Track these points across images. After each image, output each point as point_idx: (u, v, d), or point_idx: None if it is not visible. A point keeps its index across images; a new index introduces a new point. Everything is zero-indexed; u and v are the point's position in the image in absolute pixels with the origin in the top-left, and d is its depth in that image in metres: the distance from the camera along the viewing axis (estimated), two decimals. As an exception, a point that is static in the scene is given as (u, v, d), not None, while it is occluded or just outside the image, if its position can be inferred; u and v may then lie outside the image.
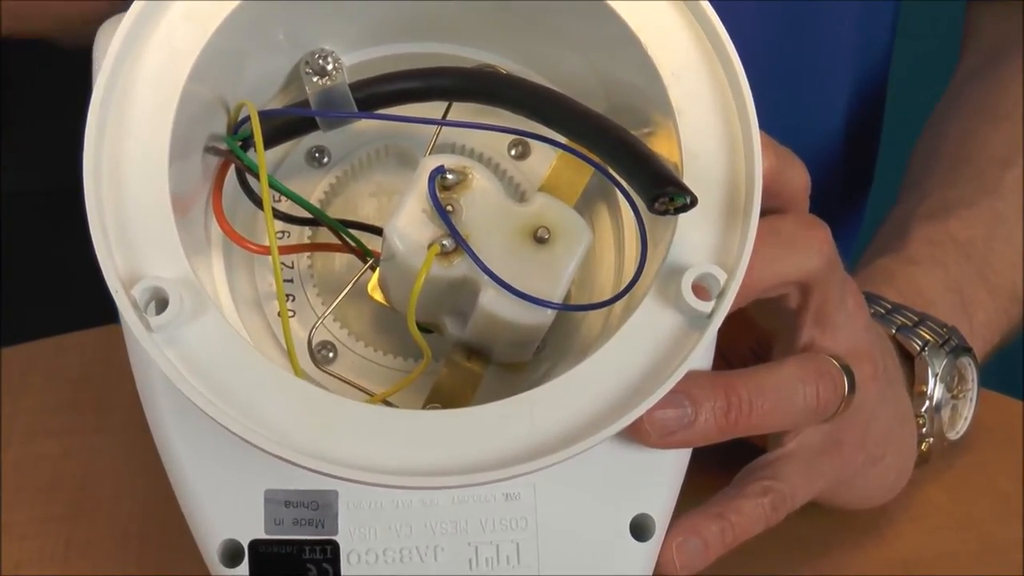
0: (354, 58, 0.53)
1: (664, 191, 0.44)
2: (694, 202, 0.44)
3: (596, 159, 0.49)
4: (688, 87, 0.48)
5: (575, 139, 0.49)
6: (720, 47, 0.48)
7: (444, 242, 0.47)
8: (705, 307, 0.45)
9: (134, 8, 0.46)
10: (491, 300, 0.47)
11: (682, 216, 0.46)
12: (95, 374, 0.71)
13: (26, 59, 0.97)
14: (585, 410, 0.45)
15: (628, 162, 0.46)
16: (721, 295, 0.46)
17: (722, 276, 0.46)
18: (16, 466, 0.67)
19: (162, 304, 0.44)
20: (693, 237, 0.47)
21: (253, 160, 0.48)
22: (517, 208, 0.49)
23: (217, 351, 0.44)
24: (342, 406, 0.45)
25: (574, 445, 0.43)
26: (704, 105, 0.48)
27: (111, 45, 0.46)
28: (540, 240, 0.48)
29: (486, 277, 0.47)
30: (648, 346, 0.46)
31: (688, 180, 0.46)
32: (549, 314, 0.48)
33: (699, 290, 0.46)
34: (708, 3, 0.48)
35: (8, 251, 1.02)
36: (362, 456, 0.44)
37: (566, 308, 0.48)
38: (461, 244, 0.47)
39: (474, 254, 0.47)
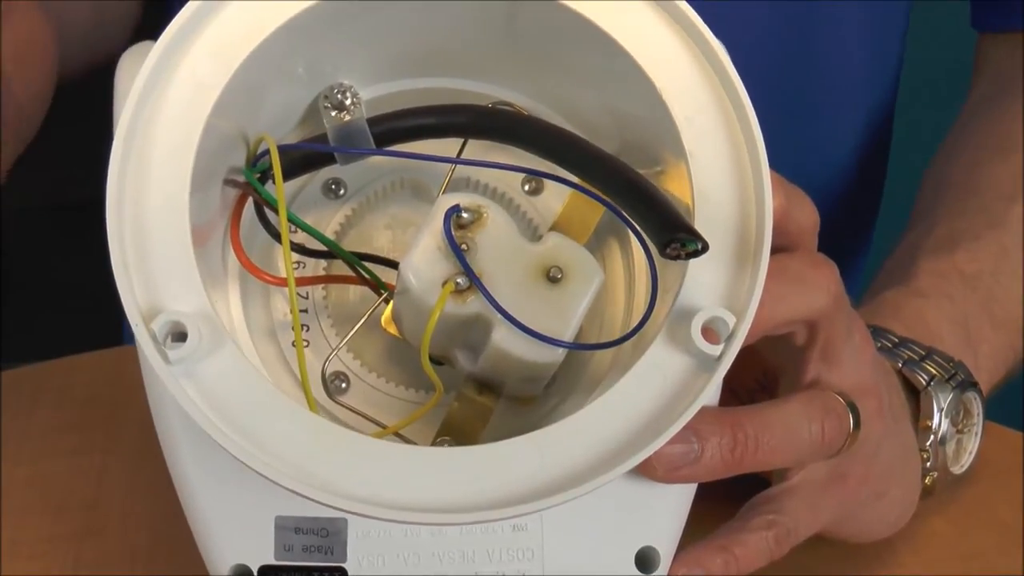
0: (372, 92, 0.54)
1: (676, 237, 0.45)
2: (705, 248, 0.45)
3: (608, 199, 0.50)
4: (700, 130, 0.49)
5: (588, 180, 0.50)
6: (732, 91, 0.49)
7: (458, 280, 0.48)
8: (714, 350, 0.46)
9: (160, 42, 0.47)
10: (503, 338, 0.48)
11: (693, 260, 0.47)
12: (105, 395, 0.71)
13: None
14: (593, 450, 0.45)
15: (641, 206, 0.47)
16: (730, 338, 0.46)
17: (731, 320, 0.46)
18: (25, 485, 0.67)
19: (180, 337, 0.44)
20: (703, 280, 0.47)
21: (271, 193, 0.49)
22: (530, 247, 0.49)
23: (234, 385, 0.45)
24: (355, 442, 0.45)
25: (581, 485, 0.44)
26: (716, 149, 0.49)
27: (137, 78, 0.46)
28: (553, 279, 0.49)
29: (499, 315, 0.48)
30: (657, 387, 0.46)
31: (699, 223, 0.47)
32: (560, 352, 0.49)
33: (708, 333, 0.46)
34: (721, 46, 0.49)
35: (12, 266, 1.03)
36: (373, 491, 0.44)
37: (577, 347, 0.49)
38: (475, 282, 0.48)
39: (488, 293, 0.48)
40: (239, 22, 0.48)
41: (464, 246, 0.48)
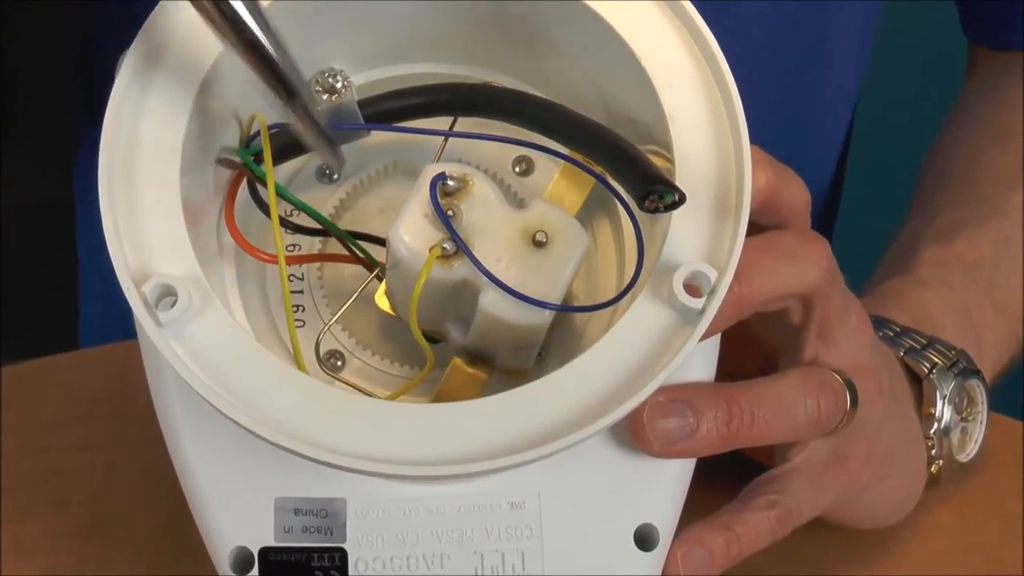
0: (363, 78, 0.55)
1: (653, 189, 0.46)
2: (682, 199, 0.46)
3: (596, 169, 0.51)
4: (680, 95, 0.49)
5: (570, 145, 0.51)
6: (710, 55, 0.50)
7: (445, 245, 0.49)
8: (696, 303, 0.46)
9: (152, 18, 0.48)
10: (491, 302, 0.49)
11: (675, 218, 0.48)
12: (110, 389, 0.72)
13: (27, 73, 0.98)
14: (581, 402, 0.46)
15: (620, 163, 0.48)
16: (712, 292, 0.47)
17: (713, 274, 0.47)
18: (31, 480, 0.68)
19: (171, 300, 0.45)
20: (685, 237, 0.48)
21: (264, 171, 0.50)
22: (516, 213, 0.50)
23: (224, 345, 0.46)
24: (343, 398, 0.46)
25: (570, 435, 0.44)
26: (695, 111, 0.49)
27: (128, 52, 0.47)
28: (539, 244, 0.49)
29: (486, 279, 0.48)
30: (641, 341, 0.47)
31: (680, 183, 0.47)
32: (547, 315, 0.49)
33: (691, 288, 0.47)
34: (699, 16, 0.50)
35: (9, 264, 1.03)
36: (360, 446, 0.45)
37: (563, 309, 0.50)
38: (461, 246, 0.48)
39: (473, 256, 0.48)
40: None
41: (450, 212, 0.49)
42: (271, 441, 0.44)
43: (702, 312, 0.46)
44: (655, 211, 0.46)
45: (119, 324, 0.85)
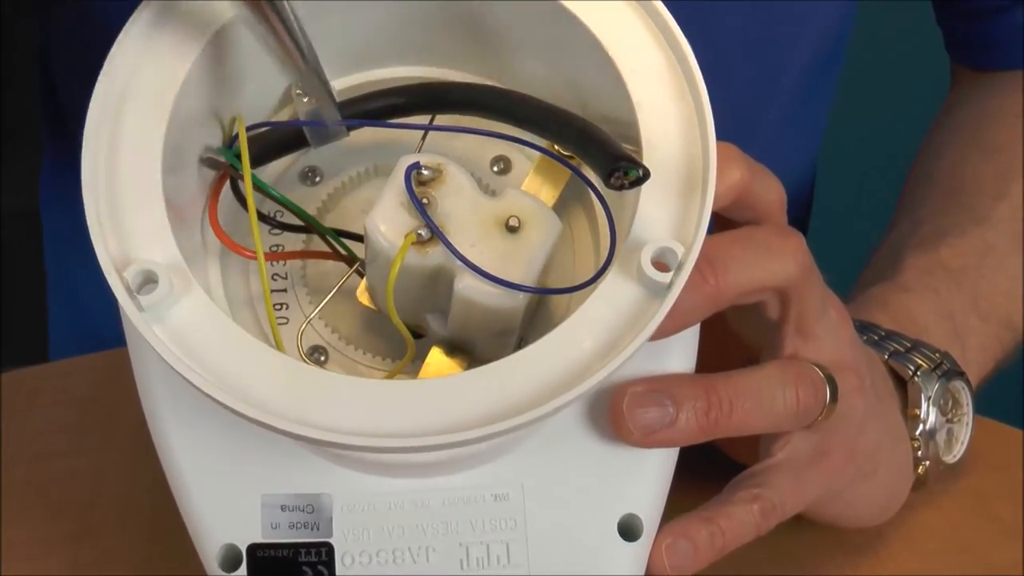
0: (342, 82, 0.56)
1: (618, 165, 0.47)
2: (647, 175, 0.47)
3: (571, 161, 0.52)
4: (646, 82, 0.51)
5: (541, 132, 0.52)
6: (676, 46, 0.51)
7: (420, 232, 0.49)
8: (664, 278, 0.47)
9: (134, 18, 0.49)
10: (466, 286, 0.49)
11: (642, 199, 0.49)
12: (102, 396, 0.73)
13: (28, 80, 0.99)
14: (552, 376, 0.46)
15: (587, 144, 0.49)
16: (680, 267, 0.47)
17: (680, 250, 0.47)
18: (23, 486, 0.68)
19: (152, 286, 0.46)
20: (653, 217, 0.49)
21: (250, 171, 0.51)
22: (490, 201, 0.51)
23: (203, 327, 0.46)
24: (319, 376, 0.47)
25: (541, 406, 0.45)
26: (662, 97, 0.50)
27: (112, 50, 0.49)
28: (512, 229, 0.50)
29: (461, 264, 0.49)
30: (611, 315, 0.47)
31: (648, 166, 0.48)
32: (521, 298, 0.50)
33: (659, 264, 0.48)
34: (666, 10, 0.51)
35: (12, 269, 1.04)
36: (340, 422, 0.45)
37: (536, 291, 0.50)
38: (435, 231, 0.49)
39: (446, 240, 0.49)
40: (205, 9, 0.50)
41: (425, 200, 0.50)
42: (250, 417, 0.45)
43: (670, 286, 0.47)
44: (621, 188, 0.47)
45: (88, 338, 0.85)
